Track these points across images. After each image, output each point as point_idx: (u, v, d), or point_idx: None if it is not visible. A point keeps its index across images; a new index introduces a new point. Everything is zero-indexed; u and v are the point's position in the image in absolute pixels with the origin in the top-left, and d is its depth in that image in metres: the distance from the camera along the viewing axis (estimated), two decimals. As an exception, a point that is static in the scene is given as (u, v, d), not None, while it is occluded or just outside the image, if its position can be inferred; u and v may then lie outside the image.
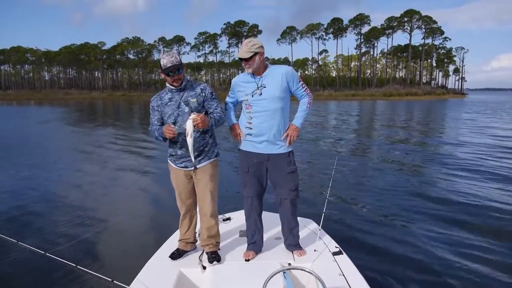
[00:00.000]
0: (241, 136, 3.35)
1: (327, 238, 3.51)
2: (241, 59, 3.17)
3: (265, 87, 3.18)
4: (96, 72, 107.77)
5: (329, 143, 15.37)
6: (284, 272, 2.46)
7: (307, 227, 3.85)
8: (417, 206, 6.72)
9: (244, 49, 3.13)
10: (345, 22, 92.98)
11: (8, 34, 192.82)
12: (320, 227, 3.50)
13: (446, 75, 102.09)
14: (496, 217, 6.13)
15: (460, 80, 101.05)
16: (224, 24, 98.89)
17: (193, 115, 2.93)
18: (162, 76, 3.12)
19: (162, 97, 3.23)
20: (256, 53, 3.12)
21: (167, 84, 3.18)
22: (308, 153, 12.77)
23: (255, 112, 3.21)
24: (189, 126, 2.91)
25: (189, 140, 2.94)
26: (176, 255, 3.31)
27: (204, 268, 3.08)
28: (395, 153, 12.79)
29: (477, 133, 18.10)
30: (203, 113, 3.16)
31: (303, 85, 3.31)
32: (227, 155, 11.13)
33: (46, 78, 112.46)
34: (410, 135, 18.08)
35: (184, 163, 3.23)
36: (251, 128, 3.26)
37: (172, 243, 3.53)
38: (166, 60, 3.02)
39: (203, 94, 3.21)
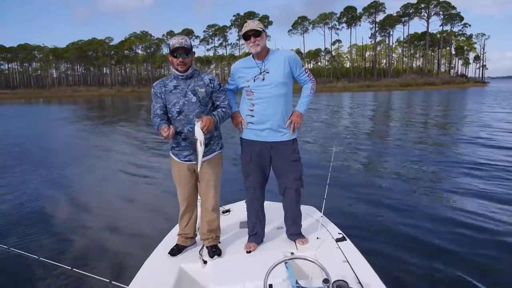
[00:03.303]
0: (243, 124, 3.23)
1: (330, 225, 3.48)
2: (248, 37, 3.02)
3: (268, 72, 3.09)
4: (105, 68, 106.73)
5: (329, 129, 15.54)
6: (286, 263, 2.44)
7: (309, 215, 3.77)
8: (421, 189, 6.68)
9: (253, 25, 3.01)
10: (359, 10, 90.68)
11: (15, 31, 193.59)
12: (322, 214, 3.44)
13: (466, 63, 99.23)
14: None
15: (481, 68, 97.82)
16: (234, 15, 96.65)
17: (198, 122, 2.83)
18: (170, 59, 3.02)
19: (167, 84, 3.08)
20: (263, 30, 3.04)
21: (173, 69, 3.06)
22: (306, 138, 12.78)
23: (257, 98, 3.11)
24: (199, 134, 2.82)
25: (200, 149, 2.85)
26: (175, 251, 3.21)
27: (205, 262, 3.03)
28: (399, 138, 12.77)
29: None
30: (210, 104, 3.10)
31: (306, 70, 3.23)
32: (227, 145, 10.63)
33: (54, 76, 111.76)
34: (418, 122, 17.91)
35: (187, 157, 3.11)
36: (253, 116, 3.16)
37: (171, 239, 3.42)
38: (175, 40, 2.95)
39: (212, 85, 3.09)
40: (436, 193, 6.47)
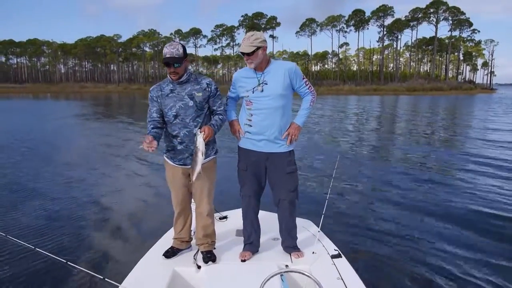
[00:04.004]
0: (240, 133, 3.25)
1: (326, 241, 3.45)
2: (242, 54, 3.04)
3: (266, 83, 3.08)
4: (112, 65, 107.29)
5: (332, 140, 15.35)
6: (281, 275, 2.41)
7: (306, 229, 3.73)
8: (421, 210, 6.51)
9: (246, 43, 2.99)
10: (367, 13, 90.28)
11: (24, 26, 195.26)
12: (319, 229, 3.42)
13: (474, 69, 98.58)
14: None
15: (489, 75, 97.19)
16: (242, 16, 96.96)
17: (201, 133, 2.83)
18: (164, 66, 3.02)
19: (163, 88, 3.09)
20: (258, 48, 3.00)
21: (168, 75, 3.07)
22: (308, 150, 12.56)
23: (255, 109, 3.13)
24: (201, 143, 2.82)
25: (201, 158, 2.86)
26: (170, 253, 3.22)
27: (199, 267, 3.02)
28: (402, 154, 12.38)
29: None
30: (206, 108, 3.11)
31: (307, 83, 3.22)
32: (225, 152, 10.74)
33: (62, 71, 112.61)
34: (423, 133, 17.33)
35: (182, 160, 3.11)
36: (250, 126, 3.17)
37: (166, 241, 3.42)
38: (166, 50, 2.95)
39: (209, 89, 3.10)
40: (438, 215, 6.27)
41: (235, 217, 3.99)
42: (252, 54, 2.99)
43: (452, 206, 6.70)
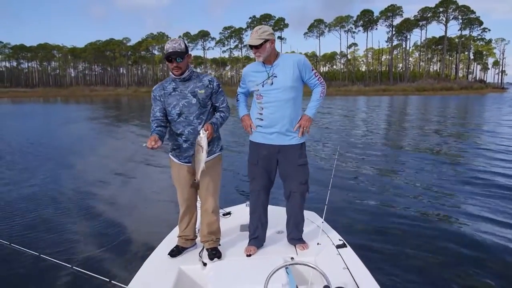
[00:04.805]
0: (252, 127, 3.26)
1: (331, 231, 3.46)
2: (251, 47, 3.06)
3: (276, 76, 3.09)
4: (121, 69, 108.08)
5: (332, 134, 15.43)
6: (286, 268, 2.43)
7: (310, 220, 3.74)
8: (422, 199, 6.61)
9: (254, 36, 3.02)
10: (376, 14, 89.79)
11: (35, 31, 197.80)
12: (323, 220, 3.42)
13: (485, 69, 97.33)
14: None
15: (500, 74, 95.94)
16: (250, 18, 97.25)
17: (206, 132, 2.85)
18: (166, 63, 3.04)
19: (165, 87, 3.10)
20: (266, 40, 3.02)
21: (170, 73, 3.08)
22: (310, 144, 12.51)
23: (266, 102, 3.13)
24: (204, 142, 2.83)
25: (204, 156, 2.87)
26: (175, 252, 3.21)
27: (205, 264, 3.02)
28: (402, 146, 12.58)
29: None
30: (209, 106, 3.11)
31: (316, 74, 3.20)
32: (226, 149, 10.77)
33: (72, 75, 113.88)
34: (422, 130, 17.61)
35: (188, 158, 3.11)
36: (262, 119, 3.17)
37: (171, 240, 3.42)
38: (169, 45, 2.98)
39: (211, 86, 3.11)
40: (439, 206, 6.30)
41: (239, 213, 4.03)
42: (260, 47, 3.01)
43: (452, 204, 6.66)
